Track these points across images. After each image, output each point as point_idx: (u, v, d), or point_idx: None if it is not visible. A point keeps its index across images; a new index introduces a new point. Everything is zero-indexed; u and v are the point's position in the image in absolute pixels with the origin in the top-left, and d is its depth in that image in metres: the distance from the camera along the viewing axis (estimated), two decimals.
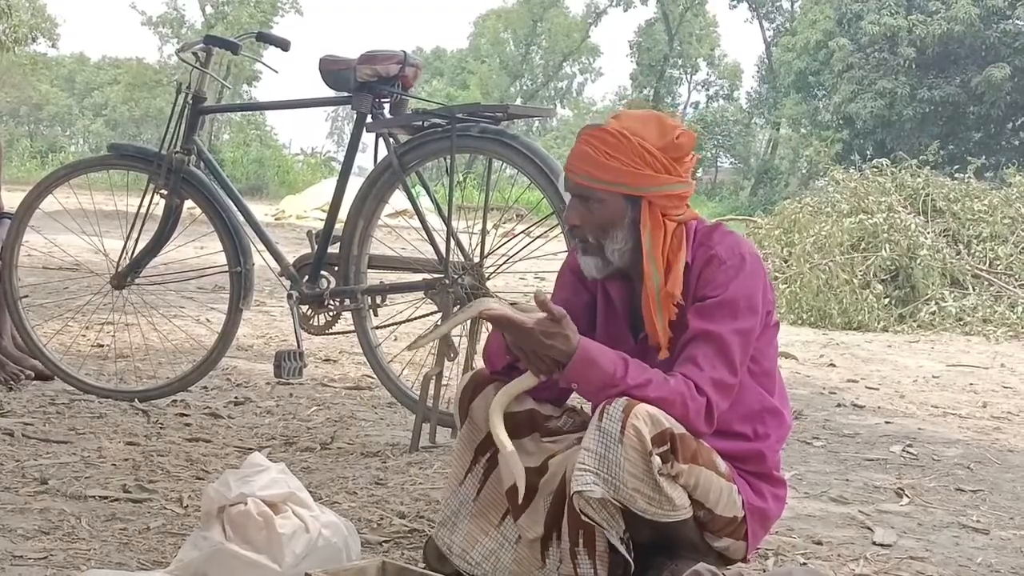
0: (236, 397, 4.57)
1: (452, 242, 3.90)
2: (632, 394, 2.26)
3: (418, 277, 4.01)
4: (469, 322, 3.85)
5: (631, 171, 2.37)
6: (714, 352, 2.33)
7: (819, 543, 3.00)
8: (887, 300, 9.34)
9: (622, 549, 2.29)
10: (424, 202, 4.24)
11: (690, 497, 2.31)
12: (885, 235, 9.61)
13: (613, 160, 2.37)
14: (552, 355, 2.29)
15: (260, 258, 4.33)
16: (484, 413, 2.52)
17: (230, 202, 4.34)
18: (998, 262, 9.84)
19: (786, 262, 9.89)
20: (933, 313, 9.24)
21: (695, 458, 2.30)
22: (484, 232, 3.86)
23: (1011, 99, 34.30)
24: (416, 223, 4.10)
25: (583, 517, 2.27)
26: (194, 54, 4.36)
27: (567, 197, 3.66)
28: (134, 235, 4.36)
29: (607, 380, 2.28)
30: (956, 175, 11.25)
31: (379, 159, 4.09)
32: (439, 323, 2.34)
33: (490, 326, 2.47)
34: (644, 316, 2.43)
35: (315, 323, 4.22)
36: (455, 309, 3.58)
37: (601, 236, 2.42)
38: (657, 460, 2.22)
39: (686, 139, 2.43)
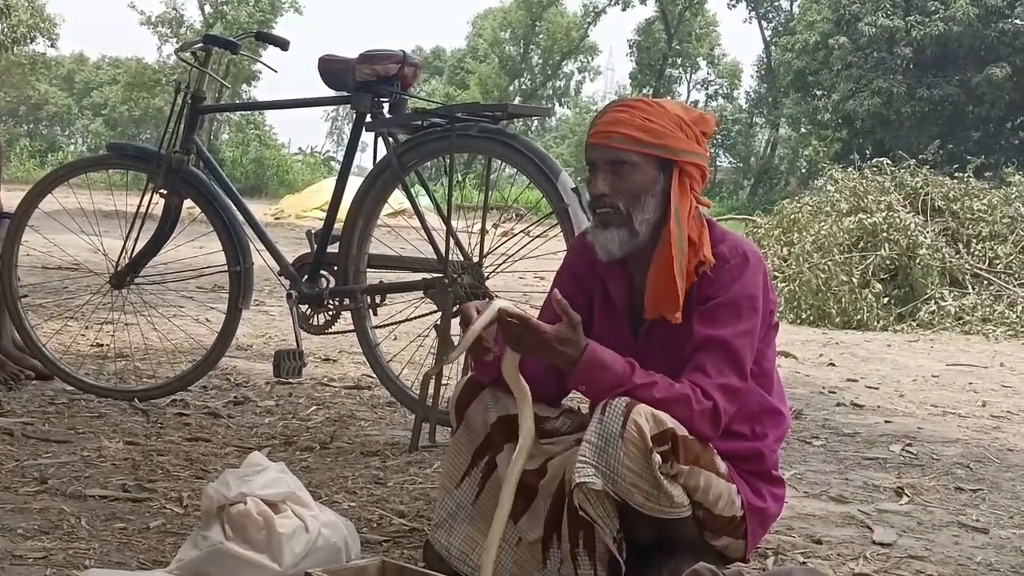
0: (235, 396, 4.57)
1: (451, 241, 3.90)
2: (637, 394, 2.26)
3: (417, 276, 4.01)
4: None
5: (668, 134, 2.39)
6: (722, 358, 2.34)
7: (819, 542, 3.00)
8: (886, 299, 9.36)
9: (613, 548, 2.28)
10: (423, 201, 4.24)
11: (689, 497, 2.31)
12: (884, 234, 9.62)
13: (652, 123, 2.39)
14: (558, 360, 2.30)
15: (259, 258, 4.33)
16: (481, 417, 2.52)
17: (229, 201, 4.34)
18: (997, 261, 9.85)
19: (785, 261, 9.89)
20: (932, 312, 9.25)
21: (697, 460, 2.30)
22: (483, 231, 3.86)
23: (1010, 98, 34.31)
24: (415, 222, 4.10)
25: (579, 513, 2.27)
26: (193, 54, 4.35)
27: (569, 196, 3.69)
28: (133, 235, 4.36)
29: (614, 381, 2.28)
30: (955, 174, 11.26)
31: (378, 158, 4.09)
32: (461, 334, 2.33)
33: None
34: (654, 286, 2.40)
35: (314, 322, 4.22)
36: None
37: (632, 204, 2.40)
38: (657, 458, 2.22)
39: (710, 116, 2.50)
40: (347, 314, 4.21)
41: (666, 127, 2.40)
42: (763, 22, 49.42)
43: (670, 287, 2.38)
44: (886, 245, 9.56)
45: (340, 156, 5.32)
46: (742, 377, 2.36)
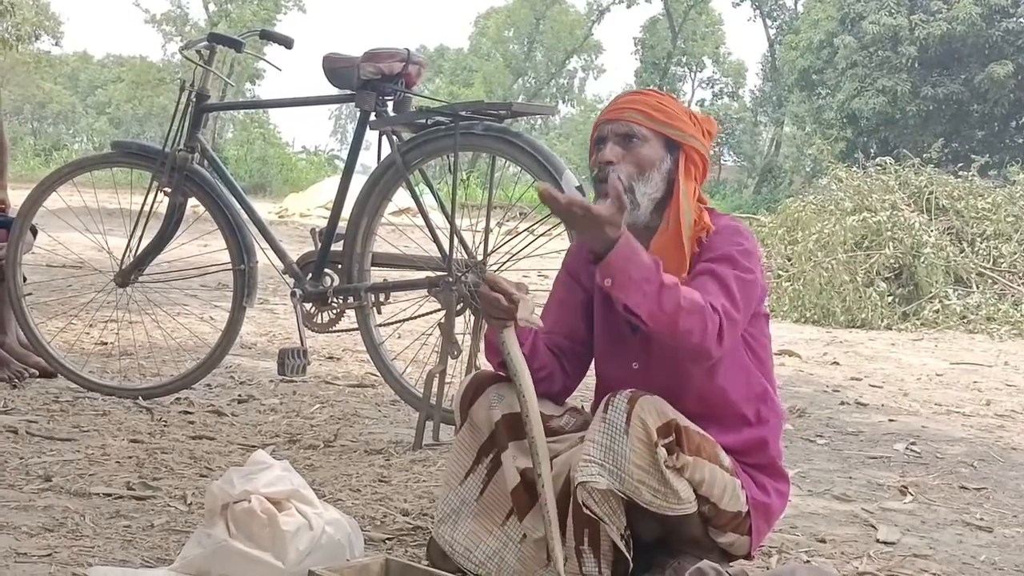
0: (240, 395, 4.58)
1: (455, 240, 3.90)
2: (665, 293, 2.21)
3: (422, 275, 4.02)
4: (472, 320, 3.86)
5: (678, 117, 2.47)
6: (717, 287, 2.34)
7: (823, 541, 3.00)
8: (891, 298, 9.35)
9: (621, 545, 2.29)
10: (428, 200, 4.24)
11: (695, 492, 2.32)
12: (889, 233, 9.61)
13: (664, 106, 2.48)
14: (599, 239, 2.23)
15: (264, 256, 4.34)
16: (485, 415, 2.52)
17: (234, 200, 4.34)
18: (1002, 260, 9.84)
19: (789, 260, 9.89)
20: (937, 311, 9.24)
21: (699, 451, 2.31)
22: (487, 230, 3.86)
23: (1015, 97, 34.26)
24: (420, 221, 4.10)
25: (585, 511, 2.27)
26: (197, 52, 4.35)
27: (573, 194, 3.69)
28: (138, 233, 4.36)
29: (646, 273, 2.22)
30: (960, 173, 11.24)
31: (382, 157, 4.10)
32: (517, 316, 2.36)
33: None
34: (657, 256, 2.37)
35: (319, 321, 4.22)
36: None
37: (636, 176, 2.43)
38: (663, 451, 2.23)
39: (714, 120, 2.59)
40: (351, 312, 4.21)
41: (676, 112, 2.49)
42: (768, 20, 49.42)
43: (678, 255, 2.41)
44: (890, 244, 9.55)
45: (344, 154, 5.34)
46: (736, 308, 2.33)
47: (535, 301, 2.37)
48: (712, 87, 56.07)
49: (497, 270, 3.94)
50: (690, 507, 2.32)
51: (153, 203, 4.36)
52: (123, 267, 4.43)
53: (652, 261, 2.26)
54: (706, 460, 2.32)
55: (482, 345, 2.68)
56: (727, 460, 2.39)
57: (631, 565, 2.32)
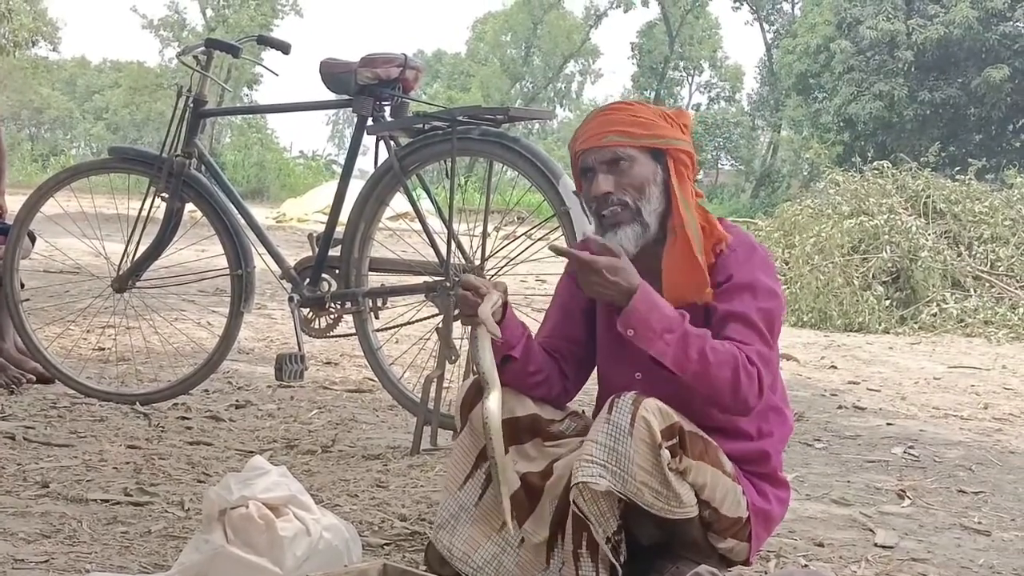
0: (237, 400, 4.57)
1: (453, 245, 3.90)
2: (691, 341, 2.24)
3: (419, 280, 4.01)
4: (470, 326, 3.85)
5: (656, 124, 2.45)
6: (747, 329, 2.34)
7: (820, 545, 3.00)
8: (888, 302, 9.35)
9: (606, 548, 2.28)
10: (425, 205, 4.24)
11: (697, 496, 2.32)
12: (886, 237, 9.62)
13: (639, 118, 2.46)
14: (614, 293, 2.27)
15: (261, 261, 4.33)
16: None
17: (231, 205, 4.34)
18: (999, 264, 9.84)
19: (786, 264, 9.89)
20: (934, 315, 9.24)
21: (703, 455, 2.31)
22: (485, 235, 3.86)
23: (1011, 101, 34.31)
24: (417, 226, 4.10)
25: (573, 508, 2.27)
26: (195, 57, 4.36)
27: (571, 199, 3.69)
28: (135, 238, 4.36)
29: (668, 324, 2.25)
30: (957, 177, 11.25)
31: (380, 162, 4.10)
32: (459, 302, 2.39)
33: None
34: (674, 275, 2.41)
35: (316, 326, 4.22)
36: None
37: (638, 197, 2.42)
38: (666, 453, 2.23)
39: (686, 111, 2.59)
40: (349, 317, 4.21)
41: (652, 119, 2.46)
42: (765, 25, 49.48)
43: (694, 270, 2.40)
44: (888, 248, 9.56)
45: (342, 159, 5.32)
46: (768, 345, 2.36)
47: (535, 305, 2.38)
48: (709, 91, 56.15)
49: (495, 275, 3.94)
50: (691, 511, 2.31)
51: (150, 209, 4.36)
52: (120, 273, 4.43)
53: (674, 311, 2.28)
54: (709, 464, 2.32)
55: None
56: (729, 466, 2.39)
57: (619, 572, 2.31)
